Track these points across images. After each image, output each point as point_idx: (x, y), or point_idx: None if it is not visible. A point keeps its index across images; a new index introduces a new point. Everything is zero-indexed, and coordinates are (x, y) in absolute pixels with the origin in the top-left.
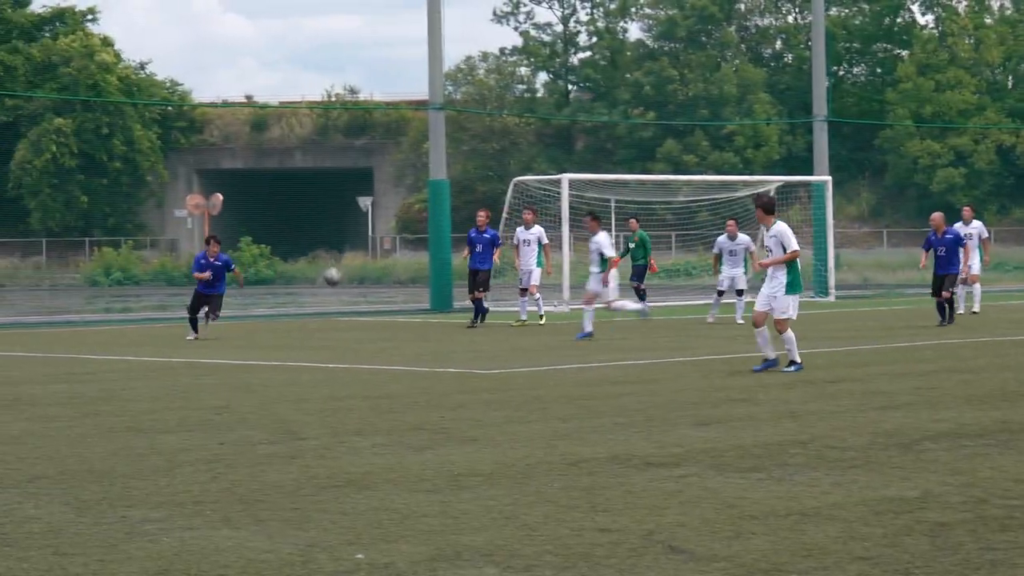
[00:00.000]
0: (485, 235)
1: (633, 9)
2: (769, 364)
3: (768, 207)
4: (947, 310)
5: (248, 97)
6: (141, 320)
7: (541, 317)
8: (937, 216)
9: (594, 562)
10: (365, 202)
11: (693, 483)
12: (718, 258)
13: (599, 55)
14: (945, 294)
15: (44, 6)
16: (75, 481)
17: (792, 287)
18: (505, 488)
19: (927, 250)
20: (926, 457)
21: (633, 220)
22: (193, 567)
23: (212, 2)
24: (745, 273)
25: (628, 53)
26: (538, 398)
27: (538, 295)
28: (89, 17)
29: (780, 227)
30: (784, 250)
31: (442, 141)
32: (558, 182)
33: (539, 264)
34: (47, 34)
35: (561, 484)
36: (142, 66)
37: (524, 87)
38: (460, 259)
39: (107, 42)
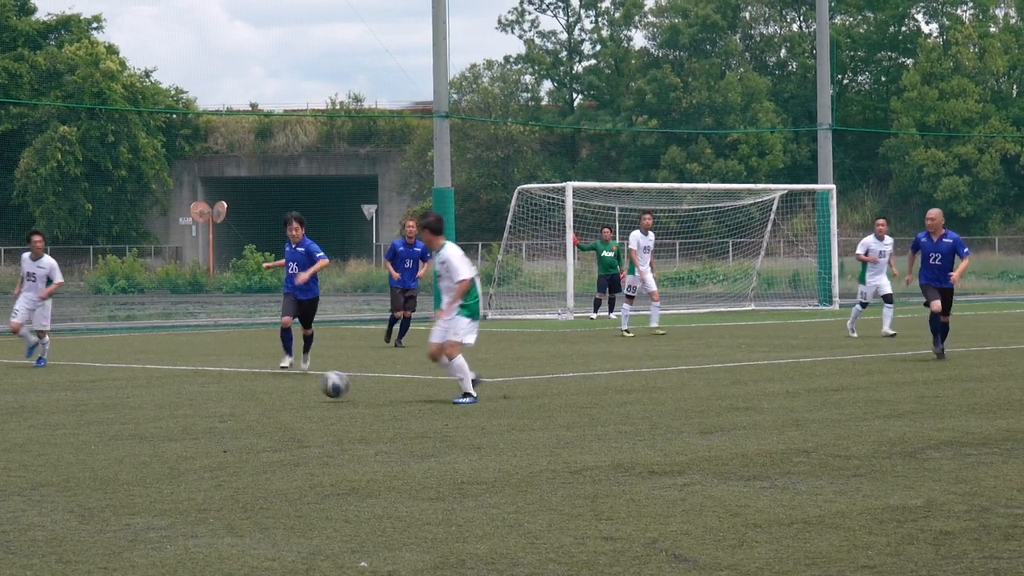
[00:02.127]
0: (415, 248)
1: (637, 17)
2: (476, 382)
3: (435, 227)
4: (944, 336)
5: (253, 105)
6: (145, 328)
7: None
8: (936, 213)
9: (598, 570)
10: (369, 210)
11: (697, 491)
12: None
13: (603, 63)
14: (944, 318)
15: (49, 14)
16: (79, 489)
17: (468, 310)
18: (509, 496)
19: (915, 252)
20: (930, 466)
21: (607, 230)
22: (197, 575)
23: (218, 10)
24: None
25: (632, 61)
26: (542, 406)
27: (627, 306)
28: (94, 25)
29: (448, 251)
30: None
31: (447, 149)
32: (562, 190)
33: (631, 271)
34: (52, 42)
35: (564, 492)
36: (147, 74)
37: (528, 95)
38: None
39: (112, 50)
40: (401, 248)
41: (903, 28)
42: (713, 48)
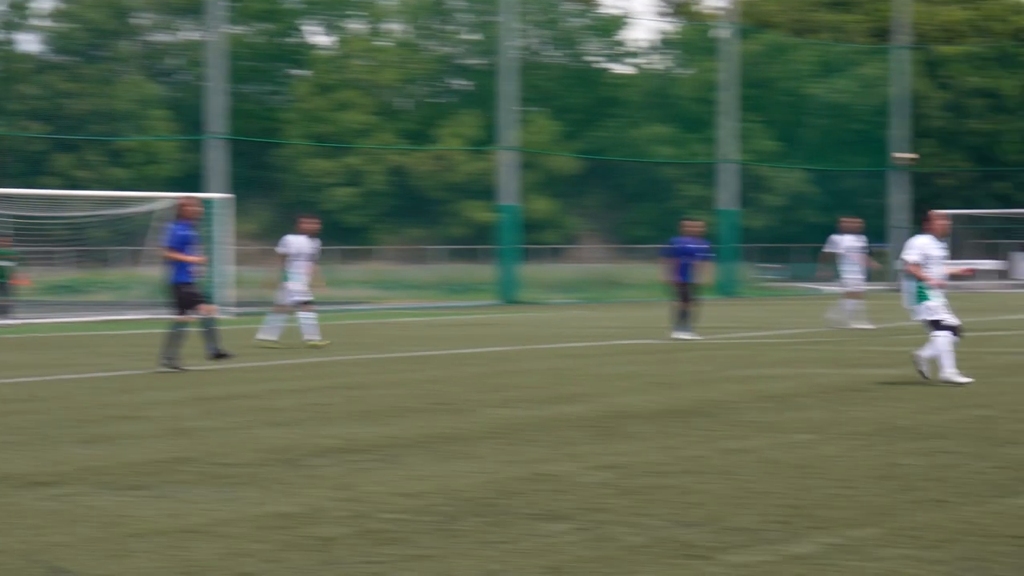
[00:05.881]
0: None
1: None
2: None
3: None
4: None
5: None
6: None
7: None
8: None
9: None
10: None
11: (77, 501)
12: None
13: None
14: None
15: None
16: None
17: None
18: None
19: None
20: (313, 472)
21: None
22: None
23: None
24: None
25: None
26: None
27: None
28: None
29: None
30: None
31: None
32: None
33: None
34: None
35: None
36: None
37: None
38: None
39: None
40: None
41: (295, 39)
42: (103, 53)
